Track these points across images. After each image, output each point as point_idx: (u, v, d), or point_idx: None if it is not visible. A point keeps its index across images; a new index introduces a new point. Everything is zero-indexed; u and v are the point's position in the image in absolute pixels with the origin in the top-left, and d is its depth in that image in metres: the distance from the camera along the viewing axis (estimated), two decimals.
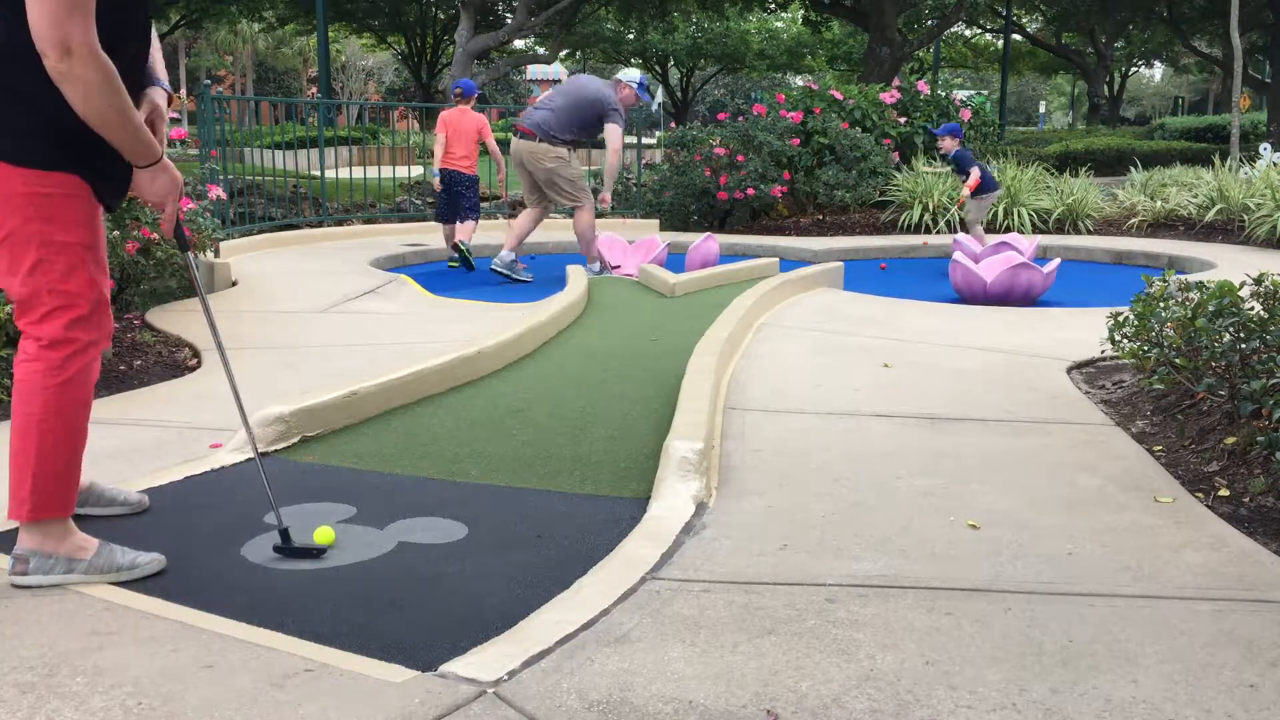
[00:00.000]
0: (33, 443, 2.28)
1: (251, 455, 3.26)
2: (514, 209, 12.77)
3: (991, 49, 37.98)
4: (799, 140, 10.91)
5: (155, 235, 4.87)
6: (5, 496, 2.49)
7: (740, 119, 11.22)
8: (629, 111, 8.04)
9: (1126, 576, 2.40)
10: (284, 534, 2.54)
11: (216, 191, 7.21)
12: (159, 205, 2.47)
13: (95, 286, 2.33)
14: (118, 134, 2.25)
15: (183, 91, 35.79)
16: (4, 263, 2.26)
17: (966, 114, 12.27)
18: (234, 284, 6.73)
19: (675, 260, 8.01)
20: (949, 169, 9.84)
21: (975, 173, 8.71)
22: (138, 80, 2.42)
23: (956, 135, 9.03)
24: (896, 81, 13.01)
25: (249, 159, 10.76)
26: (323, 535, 2.58)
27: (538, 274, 7.99)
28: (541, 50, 26.89)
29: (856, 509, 2.84)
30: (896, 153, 11.61)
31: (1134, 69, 45.81)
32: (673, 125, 15.72)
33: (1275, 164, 11.04)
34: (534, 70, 49.82)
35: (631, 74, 7.94)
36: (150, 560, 2.43)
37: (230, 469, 3.17)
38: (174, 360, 4.72)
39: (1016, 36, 31.57)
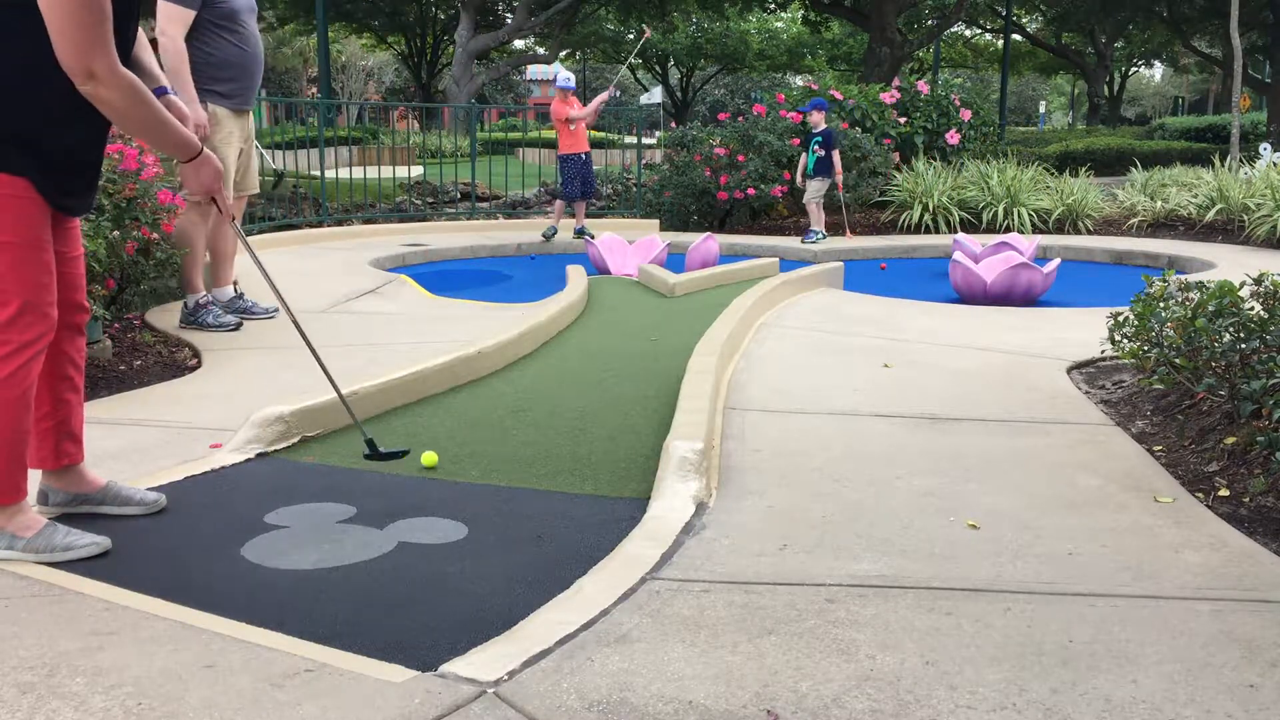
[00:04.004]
0: None
1: (258, 453, 3.27)
2: (514, 208, 12.76)
3: (991, 49, 37.98)
4: (799, 140, 10.91)
5: (155, 235, 4.86)
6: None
7: (740, 119, 11.21)
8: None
9: (1126, 576, 2.40)
10: (370, 443, 3.07)
11: None
12: (208, 194, 2.60)
13: (32, 288, 2.35)
14: (154, 138, 2.42)
15: None
16: None
17: (967, 114, 12.27)
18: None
19: (675, 260, 8.01)
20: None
21: (836, 155, 9.80)
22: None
23: (824, 110, 9.84)
24: (896, 81, 13.00)
25: None
26: (429, 458, 3.13)
27: (538, 274, 7.97)
28: (541, 50, 26.88)
29: (856, 509, 2.84)
30: (896, 153, 11.61)
31: (1134, 69, 45.83)
32: (673, 125, 15.71)
33: (1275, 164, 11.04)
34: (534, 70, 49.82)
35: None
36: (89, 543, 2.47)
37: (230, 469, 3.17)
38: (174, 360, 4.72)
39: (1016, 36, 31.57)
